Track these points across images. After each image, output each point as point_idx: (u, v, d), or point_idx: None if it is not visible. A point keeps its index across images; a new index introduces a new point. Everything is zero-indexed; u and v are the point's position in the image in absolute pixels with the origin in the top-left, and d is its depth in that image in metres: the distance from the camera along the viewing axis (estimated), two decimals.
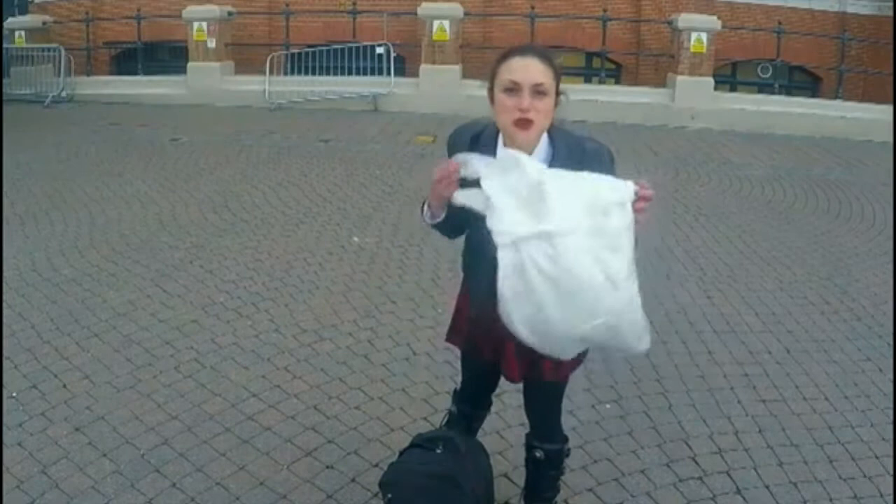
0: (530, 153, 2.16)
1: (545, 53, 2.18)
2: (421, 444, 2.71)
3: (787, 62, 12.51)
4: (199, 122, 10.50)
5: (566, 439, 2.72)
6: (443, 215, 2.27)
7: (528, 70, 2.11)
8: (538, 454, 2.64)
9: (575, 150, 2.20)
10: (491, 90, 2.19)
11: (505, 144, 2.21)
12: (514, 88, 2.11)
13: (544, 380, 2.49)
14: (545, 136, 2.21)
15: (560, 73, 2.20)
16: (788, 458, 3.36)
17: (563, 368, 2.45)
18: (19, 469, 3.15)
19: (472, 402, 2.82)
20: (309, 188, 7.33)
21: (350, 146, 9.15)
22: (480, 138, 2.27)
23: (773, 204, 7.31)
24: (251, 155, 8.66)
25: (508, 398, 3.70)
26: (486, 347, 2.51)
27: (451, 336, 2.70)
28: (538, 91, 2.11)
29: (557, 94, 2.18)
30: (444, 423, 2.96)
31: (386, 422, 3.53)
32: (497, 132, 2.25)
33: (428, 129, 10.05)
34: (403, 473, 2.62)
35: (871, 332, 4.63)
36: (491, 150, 2.20)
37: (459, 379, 2.87)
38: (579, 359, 2.44)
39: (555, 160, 2.17)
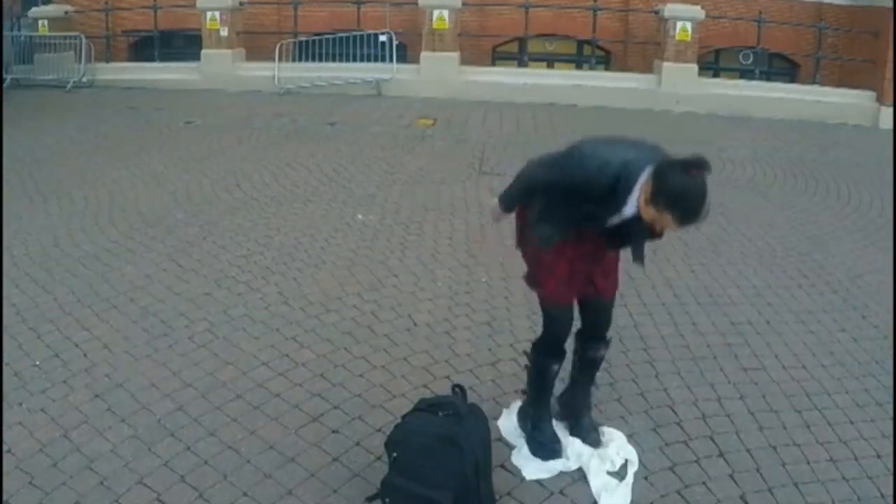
0: None
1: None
2: (424, 408, 2.74)
3: (767, 49, 12.36)
4: (213, 106, 10.37)
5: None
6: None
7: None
8: (600, 353, 3.06)
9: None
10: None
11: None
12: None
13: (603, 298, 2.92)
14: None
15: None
16: (768, 423, 3.33)
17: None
18: (42, 433, 3.12)
19: (563, 353, 3.02)
20: (316, 168, 7.24)
21: (355, 129, 9.05)
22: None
23: (753, 183, 7.24)
24: (261, 137, 8.55)
25: (503, 366, 3.68)
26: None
27: (560, 291, 2.86)
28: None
29: None
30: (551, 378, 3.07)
31: (388, 389, 3.49)
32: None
33: (428, 113, 9.93)
34: (408, 434, 2.64)
35: (846, 304, 4.58)
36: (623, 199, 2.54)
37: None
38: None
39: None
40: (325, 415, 3.29)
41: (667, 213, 2.39)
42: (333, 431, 3.17)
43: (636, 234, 2.69)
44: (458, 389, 2.81)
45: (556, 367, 3.01)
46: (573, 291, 2.88)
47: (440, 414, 2.64)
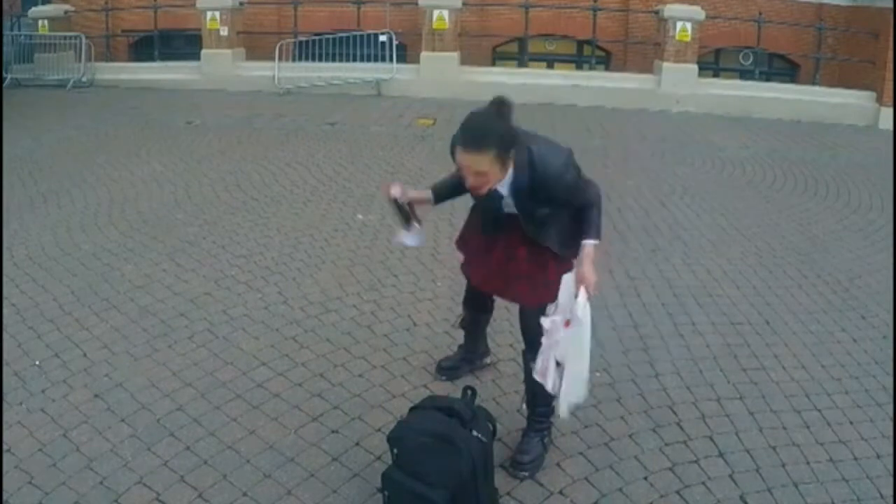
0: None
1: (479, 143, 2.47)
2: (429, 406, 2.76)
3: (767, 50, 12.38)
4: (213, 106, 10.37)
5: None
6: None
7: (468, 163, 2.51)
8: (532, 365, 2.88)
9: (537, 170, 2.60)
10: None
11: None
12: (463, 171, 2.56)
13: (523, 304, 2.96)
14: (511, 170, 2.60)
15: (500, 144, 2.50)
16: (768, 423, 3.32)
17: (527, 298, 2.90)
18: (42, 433, 3.12)
19: (476, 308, 3.37)
20: (316, 168, 7.24)
21: (354, 129, 9.04)
22: None
23: (753, 183, 7.24)
24: (261, 137, 8.55)
25: (504, 366, 3.68)
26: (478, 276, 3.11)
27: (459, 244, 3.28)
28: (479, 173, 2.51)
29: (503, 157, 2.52)
30: (457, 324, 3.60)
31: (388, 389, 3.49)
32: None
33: (428, 113, 9.93)
34: (408, 431, 2.67)
35: (846, 305, 4.58)
36: None
37: (458, 322, 3.57)
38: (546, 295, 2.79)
39: (517, 183, 2.63)
40: (324, 415, 3.29)
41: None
42: (333, 431, 3.17)
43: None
44: (470, 391, 2.84)
45: (464, 313, 3.46)
46: (471, 266, 3.15)
47: (442, 414, 2.66)
